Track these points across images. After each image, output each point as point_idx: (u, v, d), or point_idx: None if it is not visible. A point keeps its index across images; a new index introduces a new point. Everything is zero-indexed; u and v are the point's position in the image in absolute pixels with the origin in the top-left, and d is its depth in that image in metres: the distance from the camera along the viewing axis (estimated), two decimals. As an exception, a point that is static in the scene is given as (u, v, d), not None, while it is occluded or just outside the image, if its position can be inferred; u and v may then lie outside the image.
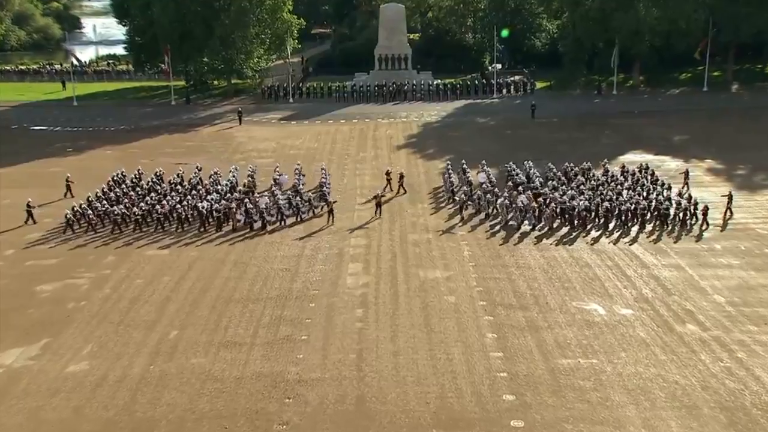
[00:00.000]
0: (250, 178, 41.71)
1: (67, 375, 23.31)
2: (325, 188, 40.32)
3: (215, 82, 79.29)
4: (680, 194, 36.94)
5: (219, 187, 40.35)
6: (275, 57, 79.70)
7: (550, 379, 22.39)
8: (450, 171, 42.28)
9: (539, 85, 73.84)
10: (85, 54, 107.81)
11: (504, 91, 72.41)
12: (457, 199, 38.80)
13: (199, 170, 43.55)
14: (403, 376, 22.71)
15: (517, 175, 41.35)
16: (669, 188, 38.62)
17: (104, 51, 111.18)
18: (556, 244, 33.41)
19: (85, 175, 45.12)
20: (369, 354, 23.99)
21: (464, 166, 42.61)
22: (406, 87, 71.66)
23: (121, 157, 51.48)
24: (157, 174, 42.96)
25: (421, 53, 79.67)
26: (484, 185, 39.53)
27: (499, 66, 77.81)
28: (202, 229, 35.96)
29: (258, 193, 39.86)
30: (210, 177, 42.02)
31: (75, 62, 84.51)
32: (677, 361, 23.27)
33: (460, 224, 36.10)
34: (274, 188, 40.52)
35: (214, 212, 36.48)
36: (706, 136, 53.18)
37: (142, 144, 55.89)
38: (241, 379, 22.74)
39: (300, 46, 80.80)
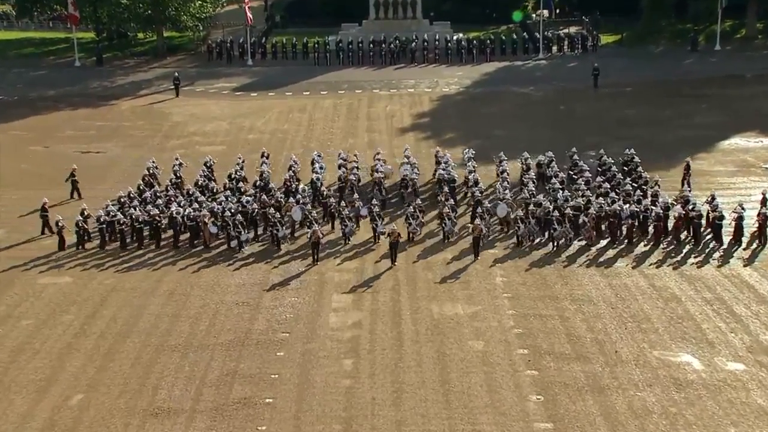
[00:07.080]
0: (343, 170, 42.38)
1: None
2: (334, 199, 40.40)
3: (139, 35, 79.63)
4: (676, 199, 37.44)
5: (300, 184, 41.34)
6: (226, 0, 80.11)
7: (621, 461, 22.54)
8: (449, 163, 42.53)
9: (605, 39, 74.35)
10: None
11: (554, 48, 72.96)
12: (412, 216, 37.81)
13: (267, 157, 44.53)
14: (411, 456, 22.83)
15: (448, 172, 41.43)
16: (657, 185, 38.85)
17: None
18: (631, 268, 33.65)
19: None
20: (361, 424, 24.04)
21: (378, 153, 44.05)
22: (414, 44, 72.14)
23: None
24: (207, 164, 43.48)
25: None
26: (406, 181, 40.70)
27: (546, 13, 78.19)
28: (201, 245, 36.54)
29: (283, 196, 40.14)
30: (290, 169, 42.75)
31: None
32: (815, 441, 23.32)
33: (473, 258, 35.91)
34: (378, 180, 41.02)
35: (187, 221, 36.87)
36: None
37: (31, 123, 56.22)
38: (176, 460, 22.86)
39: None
